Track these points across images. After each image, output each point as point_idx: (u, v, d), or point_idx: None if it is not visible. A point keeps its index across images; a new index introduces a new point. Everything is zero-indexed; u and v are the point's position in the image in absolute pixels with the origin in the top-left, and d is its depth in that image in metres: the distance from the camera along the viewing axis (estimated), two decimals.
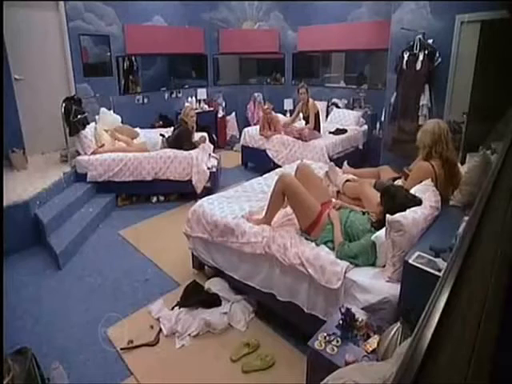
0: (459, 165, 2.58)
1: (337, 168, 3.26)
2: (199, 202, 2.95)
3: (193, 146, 4.62)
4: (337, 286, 2.01)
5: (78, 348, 2.33)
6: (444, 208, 2.19)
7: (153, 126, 6.05)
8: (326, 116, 6.31)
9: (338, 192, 2.99)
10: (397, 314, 1.72)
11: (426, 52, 4.21)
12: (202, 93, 6.79)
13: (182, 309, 2.57)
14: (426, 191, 2.21)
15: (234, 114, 7.16)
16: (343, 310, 1.77)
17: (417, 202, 2.08)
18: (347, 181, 2.98)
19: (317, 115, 5.17)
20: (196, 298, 2.60)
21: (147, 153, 4.46)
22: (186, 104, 6.21)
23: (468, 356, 0.41)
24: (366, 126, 5.81)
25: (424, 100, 4.33)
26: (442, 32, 4.18)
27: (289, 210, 2.60)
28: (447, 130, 2.41)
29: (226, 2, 6.83)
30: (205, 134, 4.93)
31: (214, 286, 2.73)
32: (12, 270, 3.13)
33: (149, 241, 3.64)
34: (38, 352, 1.90)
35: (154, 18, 6.09)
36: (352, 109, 6.11)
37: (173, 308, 2.61)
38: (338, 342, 1.68)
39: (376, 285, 1.93)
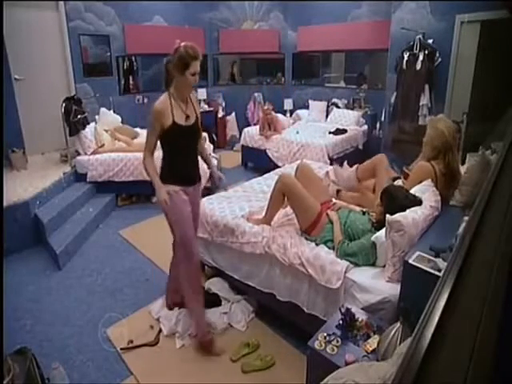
0: (459, 165, 2.57)
1: (344, 166, 3.27)
2: None
3: None
4: (337, 285, 2.01)
5: (78, 348, 2.33)
6: (444, 208, 2.19)
7: None
8: (326, 116, 6.32)
9: (338, 191, 2.98)
10: (397, 313, 1.72)
11: (426, 52, 4.21)
12: (201, 93, 6.79)
13: (182, 309, 2.56)
14: (425, 191, 2.20)
15: (233, 114, 7.16)
16: (343, 310, 1.77)
17: (417, 202, 2.07)
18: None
19: None
20: None
21: None
22: None
23: (468, 356, 0.41)
24: (365, 126, 5.81)
25: (424, 100, 4.33)
26: (442, 32, 4.19)
27: (289, 209, 2.60)
28: (455, 137, 2.37)
29: (226, 2, 6.84)
30: (205, 134, 4.93)
31: (214, 285, 2.73)
32: (12, 270, 3.13)
33: (149, 241, 3.64)
34: (38, 352, 1.90)
35: (154, 17, 6.09)
36: (352, 109, 6.11)
37: (172, 308, 2.61)
38: (338, 342, 1.68)
39: (376, 285, 1.93)
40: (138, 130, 5.30)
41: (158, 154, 2.18)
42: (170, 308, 2.58)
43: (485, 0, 3.63)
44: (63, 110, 4.22)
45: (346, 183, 3.03)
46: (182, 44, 2.09)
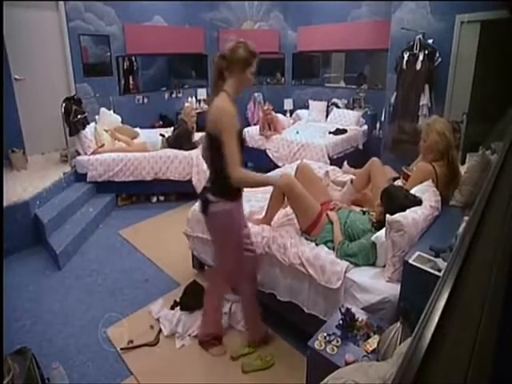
0: (459, 165, 2.57)
1: (344, 166, 3.27)
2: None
3: (193, 145, 4.62)
4: (337, 285, 2.01)
5: (77, 348, 2.33)
6: (444, 208, 2.19)
7: (153, 126, 6.05)
8: (326, 116, 6.31)
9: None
10: (397, 314, 1.72)
11: (426, 52, 4.21)
12: (201, 93, 6.79)
13: (182, 311, 2.56)
14: (426, 191, 2.20)
15: None
16: (343, 310, 1.77)
17: (417, 202, 2.08)
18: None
19: None
20: (196, 300, 2.59)
21: (147, 153, 4.46)
22: (186, 104, 6.21)
23: (468, 356, 0.41)
24: (365, 126, 5.81)
25: (424, 100, 4.33)
26: (442, 32, 4.19)
27: (289, 210, 2.60)
28: (455, 136, 2.38)
29: (226, 2, 6.84)
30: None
31: None
32: (12, 270, 3.13)
33: (149, 241, 3.64)
34: (38, 352, 1.90)
35: (154, 17, 6.09)
36: (352, 109, 6.11)
37: (172, 307, 2.61)
38: (338, 342, 1.68)
39: (376, 285, 1.93)
40: (137, 129, 5.30)
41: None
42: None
43: (485, 0, 3.63)
44: (63, 109, 4.22)
45: (345, 198, 2.96)
46: (241, 40, 1.92)
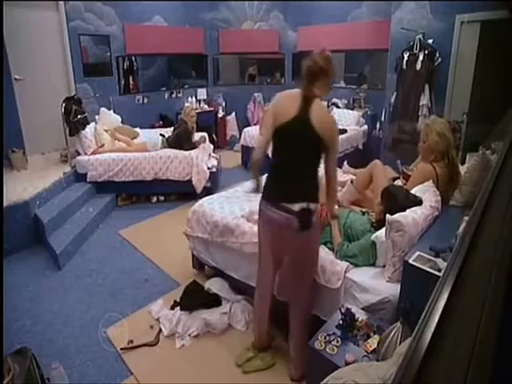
0: (459, 165, 2.57)
1: (344, 166, 3.28)
2: (199, 201, 2.94)
3: (193, 145, 4.62)
4: (337, 285, 2.01)
5: (77, 348, 2.33)
6: (444, 208, 2.19)
7: (153, 126, 6.05)
8: None
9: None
10: (397, 314, 1.72)
11: (426, 52, 4.21)
12: (201, 93, 6.79)
13: (182, 311, 2.56)
14: (426, 191, 2.21)
15: (234, 113, 7.17)
16: (343, 310, 1.77)
17: (417, 202, 2.08)
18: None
19: None
20: (196, 300, 2.59)
21: (147, 153, 4.46)
22: (186, 104, 6.22)
23: (468, 356, 0.41)
24: (365, 126, 5.81)
25: (424, 100, 4.33)
26: (442, 32, 4.19)
27: None
28: (455, 136, 2.38)
29: (226, 2, 6.84)
30: (205, 134, 4.94)
31: (214, 286, 2.73)
32: (12, 270, 3.13)
33: (149, 241, 3.64)
34: (38, 352, 1.90)
35: (154, 17, 6.09)
36: (352, 109, 6.11)
37: (172, 307, 2.61)
38: (338, 342, 1.68)
39: (376, 285, 1.93)
40: (137, 129, 5.30)
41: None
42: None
43: (485, 0, 3.63)
44: (63, 109, 4.22)
45: (345, 198, 2.95)
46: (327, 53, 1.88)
